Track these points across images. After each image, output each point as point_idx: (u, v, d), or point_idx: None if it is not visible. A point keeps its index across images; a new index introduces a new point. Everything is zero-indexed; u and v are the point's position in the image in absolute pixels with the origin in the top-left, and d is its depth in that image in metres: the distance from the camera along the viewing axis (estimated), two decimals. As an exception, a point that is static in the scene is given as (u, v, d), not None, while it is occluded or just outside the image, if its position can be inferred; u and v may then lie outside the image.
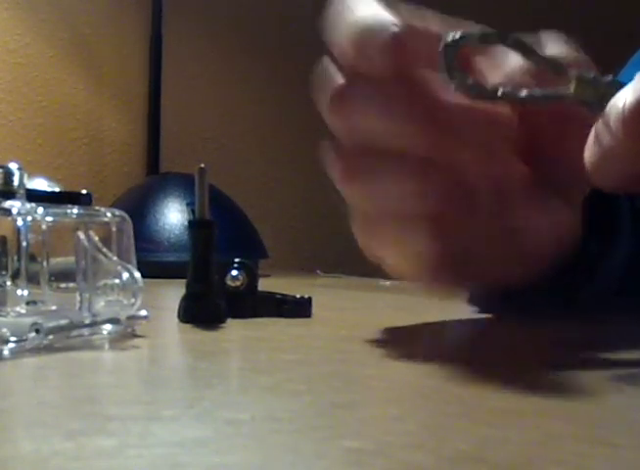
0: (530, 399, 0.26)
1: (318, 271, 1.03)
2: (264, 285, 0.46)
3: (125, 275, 0.35)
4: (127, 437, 0.20)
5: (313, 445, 0.20)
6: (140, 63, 1.20)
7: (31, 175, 0.37)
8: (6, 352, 0.31)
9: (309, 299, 0.45)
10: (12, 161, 0.36)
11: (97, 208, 0.38)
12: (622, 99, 0.29)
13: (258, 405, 0.24)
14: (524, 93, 0.31)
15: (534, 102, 0.32)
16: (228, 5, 1.26)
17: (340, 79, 0.37)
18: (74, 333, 0.34)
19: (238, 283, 0.44)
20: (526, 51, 0.32)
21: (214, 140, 1.25)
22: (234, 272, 0.44)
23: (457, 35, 0.31)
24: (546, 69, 0.32)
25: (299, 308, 0.44)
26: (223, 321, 0.42)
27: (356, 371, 0.30)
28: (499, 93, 0.31)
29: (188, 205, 0.89)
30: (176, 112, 1.22)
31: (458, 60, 0.31)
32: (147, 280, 0.36)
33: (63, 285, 0.35)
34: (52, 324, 0.33)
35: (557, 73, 0.32)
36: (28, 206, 0.34)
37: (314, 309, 0.45)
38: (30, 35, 1.14)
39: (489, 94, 0.31)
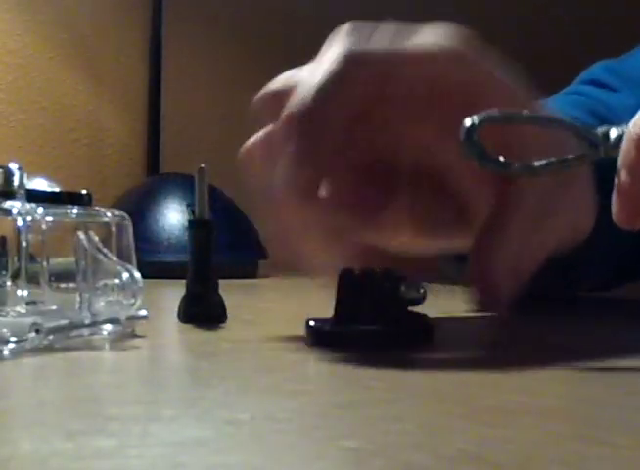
0: (530, 399, 0.26)
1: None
2: (264, 285, 0.46)
3: (125, 275, 0.35)
4: (127, 437, 0.20)
5: (313, 445, 0.20)
6: (140, 63, 1.20)
7: (31, 175, 0.37)
8: (6, 352, 0.31)
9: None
10: (12, 161, 0.36)
11: (97, 208, 0.38)
12: None
13: (258, 405, 0.24)
14: (539, 163, 0.32)
15: (550, 170, 0.33)
16: (228, 5, 1.26)
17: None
18: (74, 333, 0.34)
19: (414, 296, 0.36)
20: (548, 120, 0.34)
21: (214, 140, 1.25)
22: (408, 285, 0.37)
23: (477, 118, 0.32)
24: (569, 133, 0.33)
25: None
26: (223, 321, 0.42)
27: (356, 371, 0.30)
28: (516, 166, 0.32)
29: (188, 205, 0.89)
30: (176, 112, 1.22)
31: (479, 139, 0.32)
32: (147, 280, 0.36)
33: (63, 285, 0.35)
34: (52, 324, 0.33)
35: (581, 137, 0.33)
36: (28, 206, 0.34)
37: (314, 309, 0.45)
38: (30, 36, 1.14)
39: (509, 168, 0.32)
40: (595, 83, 0.64)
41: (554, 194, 0.40)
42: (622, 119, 0.64)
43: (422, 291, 0.35)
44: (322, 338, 0.35)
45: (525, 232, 0.39)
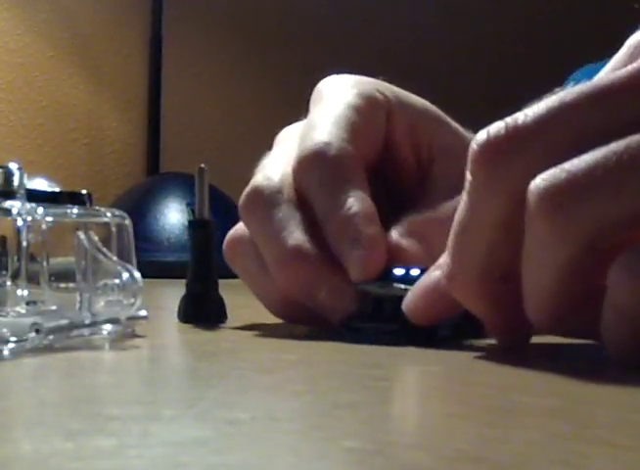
0: (530, 399, 0.26)
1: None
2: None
3: (125, 275, 0.35)
4: (127, 437, 0.20)
5: (313, 445, 0.20)
6: (140, 63, 1.20)
7: (31, 175, 0.36)
8: (6, 352, 0.31)
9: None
10: (12, 161, 0.36)
11: (97, 208, 0.38)
12: None
13: (258, 405, 0.24)
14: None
15: None
16: (228, 5, 1.26)
17: None
18: (74, 333, 0.34)
19: None
20: None
21: (214, 140, 1.25)
22: None
23: None
24: None
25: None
26: (223, 321, 0.42)
27: (356, 371, 0.30)
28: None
29: (188, 205, 0.89)
30: (176, 112, 1.22)
31: None
32: (147, 280, 0.36)
33: (63, 285, 0.35)
34: (52, 324, 0.33)
35: None
36: (28, 206, 0.34)
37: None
38: (30, 35, 1.14)
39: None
40: None
41: None
42: None
43: None
44: (353, 334, 0.36)
45: None
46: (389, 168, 0.43)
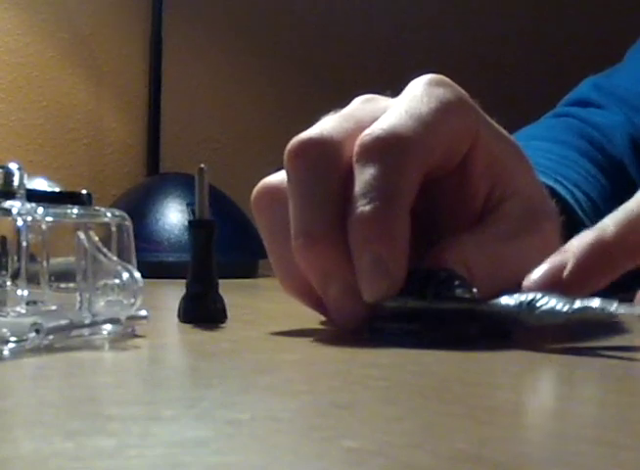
0: (530, 399, 0.26)
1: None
2: (264, 285, 0.46)
3: (125, 275, 0.35)
4: (127, 437, 0.20)
5: (313, 445, 0.20)
6: (140, 63, 1.20)
7: (31, 175, 0.37)
8: (6, 352, 0.31)
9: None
10: (12, 161, 0.36)
11: (97, 208, 0.38)
12: None
13: (258, 405, 0.24)
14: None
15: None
16: (228, 5, 1.26)
17: None
18: (74, 333, 0.34)
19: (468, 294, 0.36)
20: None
21: (214, 140, 1.25)
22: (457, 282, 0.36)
23: None
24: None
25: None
26: (223, 321, 0.42)
27: (356, 371, 0.30)
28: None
29: (188, 205, 0.89)
30: (176, 112, 1.22)
31: None
32: (147, 280, 0.36)
33: (63, 285, 0.35)
34: (52, 324, 0.33)
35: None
36: (28, 206, 0.34)
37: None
38: (30, 35, 1.14)
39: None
40: (584, 103, 0.65)
41: (526, 221, 0.39)
42: (611, 138, 0.65)
43: (474, 291, 0.36)
44: (376, 334, 0.37)
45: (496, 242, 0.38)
46: (448, 189, 0.40)
